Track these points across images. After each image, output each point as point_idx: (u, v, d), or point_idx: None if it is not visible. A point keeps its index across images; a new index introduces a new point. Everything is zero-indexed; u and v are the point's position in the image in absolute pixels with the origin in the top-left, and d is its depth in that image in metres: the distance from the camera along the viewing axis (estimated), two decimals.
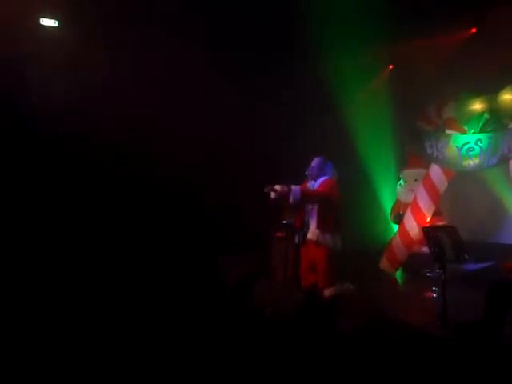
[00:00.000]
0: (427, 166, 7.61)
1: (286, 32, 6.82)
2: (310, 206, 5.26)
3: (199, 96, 6.95)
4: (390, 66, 8.28)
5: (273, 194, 5.12)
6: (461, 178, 7.46)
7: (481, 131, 7.07)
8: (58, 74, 6.35)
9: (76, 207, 6.42)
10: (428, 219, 7.45)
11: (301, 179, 5.50)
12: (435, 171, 7.47)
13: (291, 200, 5.02)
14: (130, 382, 3.67)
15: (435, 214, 7.55)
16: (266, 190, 5.11)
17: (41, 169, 6.23)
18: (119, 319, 4.78)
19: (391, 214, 8.26)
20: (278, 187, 5.05)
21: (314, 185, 5.33)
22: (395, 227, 8.02)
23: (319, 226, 5.16)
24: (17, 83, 6.14)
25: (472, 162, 6.99)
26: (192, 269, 6.33)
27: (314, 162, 5.41)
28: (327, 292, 5.02)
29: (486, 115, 7.06)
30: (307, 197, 5.13)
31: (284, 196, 5.04)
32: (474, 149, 6.92)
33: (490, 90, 6.92)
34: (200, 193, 6.96)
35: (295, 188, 5.03)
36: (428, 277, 6.63)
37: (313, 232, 5.19)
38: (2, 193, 5.95)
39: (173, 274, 6.17)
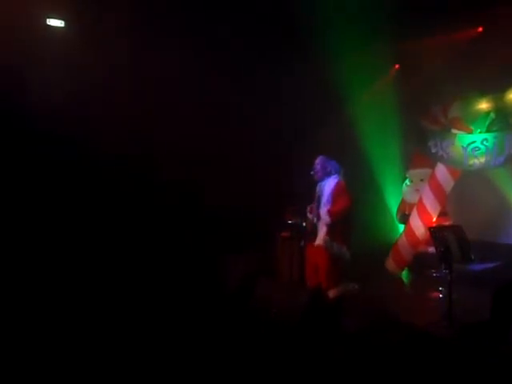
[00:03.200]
0: (433, 166, 7.56)
1: (290, 32, 6.79)
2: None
3: (199, 96, 6.94)
4: (396, 66, 8.25)
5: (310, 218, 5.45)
6: (467, 178, 7.41)
7: (487, 131, 7.03)
8: (63, 74, 6.35)
9: (76, 208, 6.42)
10: (434, 219, 7.42)
11: (304, 179, 5.52)
12: (441, 171, 7.43)
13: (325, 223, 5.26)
14: (131, 382, 3.67)
15: (441, 214, 7.51)
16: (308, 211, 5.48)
17: (41, 169, 6.22)
18: (120, 320, 4.78)
19: (397, 214, 8.23)
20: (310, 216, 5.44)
21: (324, 186, 5.36)
22: (401, 227, 7.99)
23: (329, 233, 5.20)
24: (21, 83, 6.14)
25: (478, 161, 6.96)
26: (193, 269, 6.32)
27: (317, 161, 5.46)
28: (331, 293, 5.01)
29: (492, 115, 7.02)
30: (336, 218, 5.25)
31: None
32: (479, 148, 6.90)
33: (496, 90, 6.88)
34: (200, 193, 6.95)
35: (324, 214, 5.25)
36: (434, 277, 6.60)
37: (323, 238, 5.22)
38: (1, 193, 5.96)
39: (174, 273, 6.16)
